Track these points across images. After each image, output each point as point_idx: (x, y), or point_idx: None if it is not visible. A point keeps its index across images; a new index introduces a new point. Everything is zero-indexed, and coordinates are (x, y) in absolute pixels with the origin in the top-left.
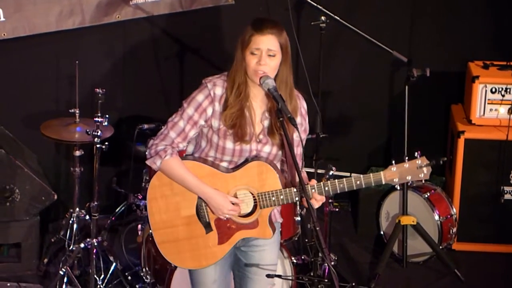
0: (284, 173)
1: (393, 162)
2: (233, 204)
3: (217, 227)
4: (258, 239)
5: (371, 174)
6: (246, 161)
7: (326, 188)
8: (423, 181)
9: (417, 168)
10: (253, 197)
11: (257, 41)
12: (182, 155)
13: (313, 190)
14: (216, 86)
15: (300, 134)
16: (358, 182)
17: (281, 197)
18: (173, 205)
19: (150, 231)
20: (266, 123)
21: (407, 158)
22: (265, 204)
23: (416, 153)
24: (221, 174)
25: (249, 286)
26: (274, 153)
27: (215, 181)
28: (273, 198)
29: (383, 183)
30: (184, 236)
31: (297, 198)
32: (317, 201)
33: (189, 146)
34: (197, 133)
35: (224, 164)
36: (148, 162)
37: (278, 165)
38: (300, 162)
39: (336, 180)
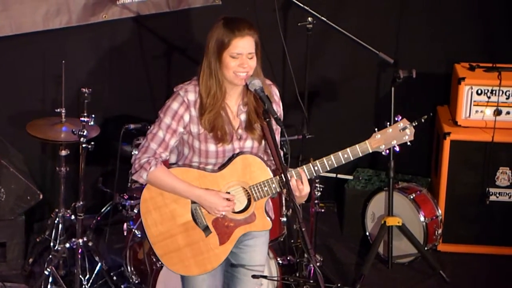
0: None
1: (376, 129)
2: (227, 200)
3: (216, 228)
4: (249, 239)
5: (357, 145)
6: (232, 158)
7: (316, 168)
8: (409, 143)
9: (400, 131)
10: (246, 191)
11: (238, 45)
12: (167, 165)
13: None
14: (188, 92)
15: (284, 131)
16: (345, 156)
17: (273, 185)
18: (168, 215)
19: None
20: (242, 116)
21: (388, 123)
22: (259, 195)
23: (396, 117)
24: (210, 175)
25: (238, 286)
26: (256, 146)
27: (205, 182)
28: (266, 188)
29: (370, 151)
30: (185, 244)
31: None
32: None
33: (172, 156)
34: (178, 141)
35: (209, 167)
36: (134, 177)
37: (265, 157)
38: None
39: (324, 158)
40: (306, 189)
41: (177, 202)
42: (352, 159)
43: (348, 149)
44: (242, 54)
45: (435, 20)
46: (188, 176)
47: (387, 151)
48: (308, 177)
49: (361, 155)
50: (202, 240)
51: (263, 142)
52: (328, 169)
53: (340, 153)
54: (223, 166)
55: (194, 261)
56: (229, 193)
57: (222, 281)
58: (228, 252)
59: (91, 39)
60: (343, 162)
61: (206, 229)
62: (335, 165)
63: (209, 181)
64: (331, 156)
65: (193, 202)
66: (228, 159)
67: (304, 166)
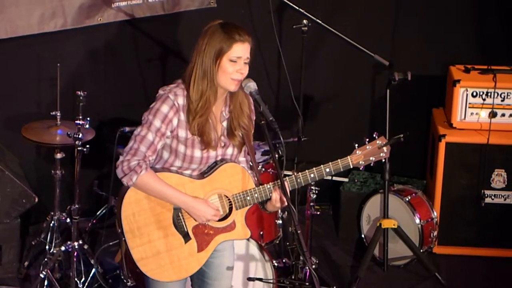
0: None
1: (356, 146)
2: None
3: (196, 235)
4: (218, 244)
5: (339, 160)
6: (216, 165)
7: (298, 180)
8: (383, 160)
9: (378, 148)
10: (228, 199)
11: (239, 49)
12: None
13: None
14: (178, 96)
15: (279, 133)
16: (328, 170)
17: (256, 195)
18: (149, 220)
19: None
20: (225, 123)
21: (367, 140)
22: (241, 204)
23: (374, 134)
24: (192, 181)
25: None
26: (235, 154)
27: (188, 189)
28: (248, 198)
29: (351, 167)
30: (163, 249)
31: (271, 195)
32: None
33: None
34: (163, 144)
35: (188, 172)
36: (124, 180)
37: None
38: (253, 155)
39: (307, 171)
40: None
41: (159, 207)
42: (333, 173)
43: (330, 164)
44: (241, 58)
45: (430, 22)
46: (171, 182)
47: (363, 167)
48: (290, 189)
49: (342, 170)
50: (180, 247)
51: (243, 148)
52: (310, 182)
53: (322, 167)
54: (205, 173)
55: (172, 267)
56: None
57: (185, 284)
58: (205, 259)
59: (86, 42)
60: (325, 176)
61: (186, 236)
62: (317, 179)
63: (192, 188)
64: (314, 169)
65: (175, 208)
66: (210, 166)
67: (287, 178)
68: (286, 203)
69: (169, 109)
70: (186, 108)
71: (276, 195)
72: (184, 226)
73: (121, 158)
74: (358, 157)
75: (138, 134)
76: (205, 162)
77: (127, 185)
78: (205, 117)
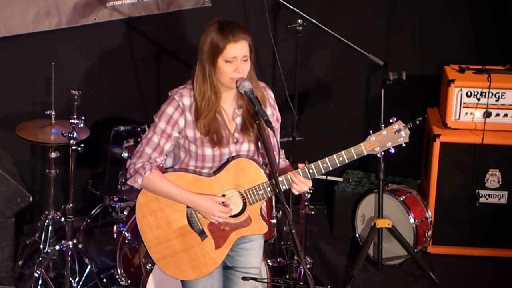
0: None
1: (371, 132)
2: (223, 204)
3: (212, 232)
4: (245, 243)
5: (351, 148)
6: (227, 162)
7: (311, 171)
8: (404, 145)
9: (395, 133)
10: (241, 195)
11: (232, 49)
12: (162, 170)
13: (299, 174)
14: (184, 97)
15: (276, 134)
16: (340, 158)
17: (268, 189)
18: (164, 219)
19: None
20: (238, 120)
21: (383, 125)
22: (254, 199)
23: (391, 119)
24: (205, 179)
25: None
26: (252, 149)
27: (200, 187)
28: (261, 192)
29: (365, 154)
30: (181, 248)
31: (284, 187)
32: (303, 183)
33: (168, 160)
34: (173, 145)
35: (205, 171)
36: (129, 182)
37: (260, 160)
38: (278, 151)
39: (319, 161)
40: (308, 183)
41: (172, 206)
42: (347, 162)
43: (343, 152)
44: (236, 57)
45: (425, 22)
46: (183, 181)
47: (382, 153)
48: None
49: (356, 157)
50: (198, 245)
51: (259, 144)
52: (323, 172)
53: (335, 156)
54: (218, 170)
55: (190, 265)
56: (224, 195)
57: (220, 281)
58: (224, 255)
59: (81, 41)
60: (338, 165)
61: (201, 233)
62: (330, 168)
63: (204, 186)
64: (326, 159)
65: (188, 207)
66: (223, 163)
67: (299, 170)
68: (310, 185)
69: (174, 111)
70: (193, 108)
71: (295, 186)
72: (199, 224)
73: (128, 161)
74: (373, 143)
75: (145, 137)
76: (218, 160)
77: (135, 187)
78: (210, 116)
